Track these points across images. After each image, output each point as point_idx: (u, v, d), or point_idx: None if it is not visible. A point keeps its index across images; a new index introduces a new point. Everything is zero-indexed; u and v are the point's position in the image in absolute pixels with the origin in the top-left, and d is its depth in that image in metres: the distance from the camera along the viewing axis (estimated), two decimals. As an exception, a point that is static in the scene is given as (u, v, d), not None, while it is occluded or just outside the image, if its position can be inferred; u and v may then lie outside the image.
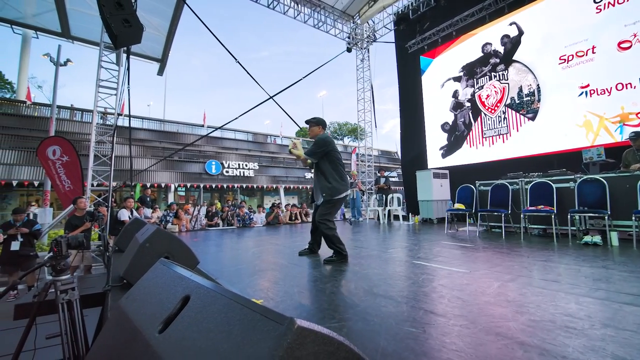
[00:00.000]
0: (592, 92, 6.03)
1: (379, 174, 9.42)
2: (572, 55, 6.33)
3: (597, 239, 3.89)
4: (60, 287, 1.41)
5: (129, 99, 6.24)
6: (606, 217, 3.94)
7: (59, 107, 14.86)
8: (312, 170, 3.42)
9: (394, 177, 23.43)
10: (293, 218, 9.51)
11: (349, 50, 11.80)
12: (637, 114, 5.48)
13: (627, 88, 5.61)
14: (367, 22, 12.08)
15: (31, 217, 6.03)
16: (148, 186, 15.12)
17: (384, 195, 8.65)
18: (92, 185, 7.01)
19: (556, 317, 1.66)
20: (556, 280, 2.37)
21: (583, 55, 6.18)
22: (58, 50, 10.51)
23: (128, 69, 6.11)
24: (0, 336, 2.19)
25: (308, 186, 22.34)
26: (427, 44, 9.30)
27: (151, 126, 21.14)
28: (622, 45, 5.70)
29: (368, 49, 12.43)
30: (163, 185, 17.13)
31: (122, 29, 4.52)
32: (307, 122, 3.50)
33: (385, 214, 8.18)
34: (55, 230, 8.70)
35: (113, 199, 6.86)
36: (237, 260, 3.63)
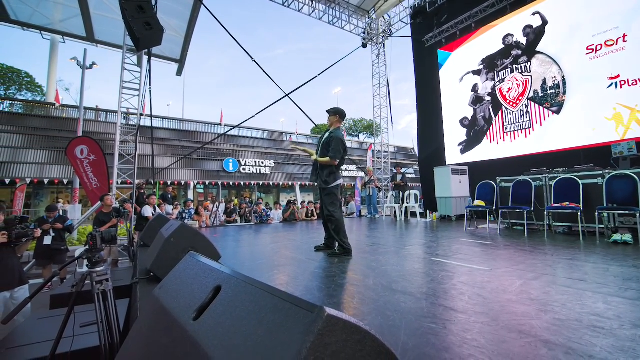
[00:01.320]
0: (622, 83, 5.73)
1: (395, 171, 9.32)
2: (601, 45, 6.02)
3: (628, 237, 3.72)
4: (96, 278, 1.50)
5: (150, 99, 6.47)
6: (637, 215, 3.76)
7: (85, 108, 15.52)
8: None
9: (410, 173, 23.10)
10: (309, 215, 9.57)
11: (364, 45, 11.69)
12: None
13: (661, 78, 5.30)
14: (383, 17, 11.91)
15: (61, 213, 6.38)
16: (169, 184, 15.60)
17: (400, 192, 8.57)
18: (118, 183, 7.31)
19: (583, 316, 1.62)
20: (583, 279, 2.29)
21: (613, 45, 5.87)
22: (84, 54, 10.96)
23: (149, 70, 6.33)
24: (40, 324, 2.34)
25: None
26: (445, 37, 9.08)
27: (171, 125, 21.76)
28: (656, 33, 5.38)
29: (384, 44, 12.27)
30: (183, 182, 17.62)
31: (143, 31, 4.69)
32: (327, 111, 3.78)
33: (402, 211, 8.10)
34: (83, 225, 9.13)
35: (145, 197, 7.17)
36: (256, 256, 3.71)
